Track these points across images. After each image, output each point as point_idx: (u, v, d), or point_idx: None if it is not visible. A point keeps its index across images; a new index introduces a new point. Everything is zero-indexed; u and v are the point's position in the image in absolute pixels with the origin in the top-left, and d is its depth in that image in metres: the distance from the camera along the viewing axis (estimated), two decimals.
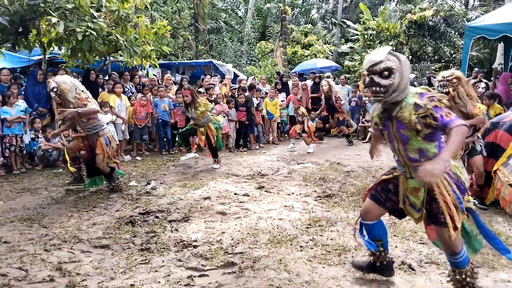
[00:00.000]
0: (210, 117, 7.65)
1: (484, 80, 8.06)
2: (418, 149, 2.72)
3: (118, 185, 5.91)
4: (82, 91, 5.61)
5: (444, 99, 2.67)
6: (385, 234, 3.16)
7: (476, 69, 13.73)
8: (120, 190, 5.86)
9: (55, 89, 5.42)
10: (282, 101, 11.62)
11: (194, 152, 8.50)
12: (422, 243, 4.01)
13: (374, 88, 2.67)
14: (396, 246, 3.92)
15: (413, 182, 2.85)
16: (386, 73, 2.61)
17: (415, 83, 11.75)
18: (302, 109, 9.77)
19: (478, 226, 2.85)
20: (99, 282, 3.22)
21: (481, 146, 5.14)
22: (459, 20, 18.56)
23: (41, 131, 7.84)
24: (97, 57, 8.94)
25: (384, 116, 2.82)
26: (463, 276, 2.83)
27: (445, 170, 2.57)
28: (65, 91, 5.42)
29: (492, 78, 13.50)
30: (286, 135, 12.20)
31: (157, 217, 4.80)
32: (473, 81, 10.27)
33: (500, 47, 13.70)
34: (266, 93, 11.28)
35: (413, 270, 3.45)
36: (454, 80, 4.82)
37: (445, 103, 2.64)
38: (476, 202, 5.20)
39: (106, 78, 9.60)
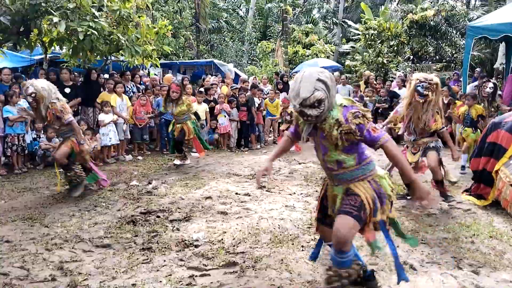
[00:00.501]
0: (192, 116, 7.70)
1: (492, 80, 8.01)
2: (336, 161, 2.69)
3: (78, 176, 5.72)
4: (58, 98, 5.46)
5: (368, 114, 2.62)
6: (353, 249, 2.88)
7: (478, 69, 13.72)
8: (79, 182, 5.71)
9: (33, 95, 5.23)
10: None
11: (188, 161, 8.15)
12: (424, 243, 4.01)
13: (305, 118, 2.59)
14: (397, 246, 3.91)
15: (336, 189, 2.81)
16: (316, 104, 2.51)
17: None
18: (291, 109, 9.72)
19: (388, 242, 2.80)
20: (100, 282, 3.22)
21: (436, 143, 5.14)
22: (461, 20, 18.53)
23: (42, 130, 7.84)
24: (98, 56, 8.95)
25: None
26: (338, 275, 2.66)
27: (367, 179, 2.70)
28: (43, 99, 5.28)
29: (493, 78, 13.47)
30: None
31: (158, 216, 4.80)
32: (476, 83, 10.26)
33: (502, 47, 13.68)
34: (268, 93, 11.28)
35: (415, 270, 3.45)
36: (435, 86, 4.83)
37: (368, 119, 2.60)
38: (444, 200, 5.20)
39: (107, 77, 9.59)
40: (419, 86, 4.80)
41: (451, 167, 6.73)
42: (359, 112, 2.57)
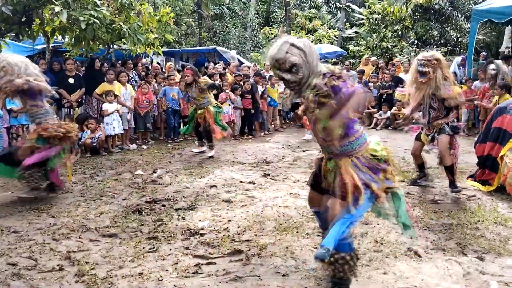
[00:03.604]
0: (211, 99, 7.66)
1: (496, 61, 7.93)
2: (324, 129, 2.70)
3: (31, 175, 5.05)
4: (34, 75, 4.96)
5: (345, 75, 2.63)
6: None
7: (483, 53, 13.59)
8: (33, 181, 5.08)
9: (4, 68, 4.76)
10: (284, 88, 11.56)
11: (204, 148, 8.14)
12: (428, 230, 4.02)
13: (286, 84, 2.70)
14: (402, 233, 3.92)
15: (329, 163, 2.86)
16: (293, 69, 2.59)
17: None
18: None
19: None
20: (107, 271, 3.26)
21: (450, 127, 5.03)
22: (466, 4, 18.32)
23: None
24: (100, 45, 8.92)
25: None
26: (340, 261, 2.71)
27: (353, 155, 2.73)
28: (9, 72, 4.76)
29: (498, 61, 13.33)
30: (291, 122, 12.18)
31: (163, 205, 4.83)
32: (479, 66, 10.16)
33: (507, 30, 13.55)
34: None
35: (419, 256, 3.46)
36: (434, 62, 4.77)
37: (344, 79, 2.58)
38: (452, 189, 5.07)
39: (108, 67, 9.56)
40: (419, 66, 4.79)
41: None
42: (334, 76, 2.59)
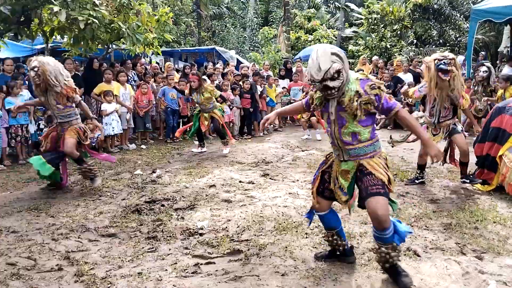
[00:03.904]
0: (216, 104, 7.79)
1: (486, 64, 7.94)
2: (352, 133, 2.91)
3: (91, 169, 5.53)
4: (67, 76, 5.28)
5: (383, 86, 2.89)
6: (339, 223, 3.30)
7: (482, 52, 13.61)
8: (95, 175, 5.55)
9: (35, 69, 4.99)
10: (283, 88, 11.58)
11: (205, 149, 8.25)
12: (427, 229, 4.02)
13: (329, 92, 2.80)
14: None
15: (345, 165, 3.03)
16: (336, 75, 2.73)
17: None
18: None
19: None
20: (107, 271, 3.26)
21: (461, 126, 5.30)
22: (465, 3, 18.33)
23: (45, 122, 7.84)
24: (99, 45, 8.92)
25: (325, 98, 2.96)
26: (389, 250, 2.91)
27: (375, 156, 2.97)
28: (47, 72, 5.00)
29: (498, 62, 13.35)
30: (290, 122, 12.19)
31: (163, 205, 4.83)
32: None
33: (506, 30, 13.56)
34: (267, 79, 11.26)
35: (418, 256, 3.46)
36: (453, 61, 4.93)
37: (384, 90, 2.88)
38: (466, 180, 5.41)
39: (107, 67, 9.55)
40: (441, 64, 4.85)
41: None
42: (374, 84, 2.84)
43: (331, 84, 2.74)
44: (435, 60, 4.93)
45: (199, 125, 7.79)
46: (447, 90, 4.98)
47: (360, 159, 2.96)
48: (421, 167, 5.57)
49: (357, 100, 2.80)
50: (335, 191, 3.11)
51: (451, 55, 4.99)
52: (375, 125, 3.03)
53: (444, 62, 4.84)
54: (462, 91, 5.15)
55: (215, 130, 7.89)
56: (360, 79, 2.86)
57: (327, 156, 3.29)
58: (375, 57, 13.91)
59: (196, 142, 8.35)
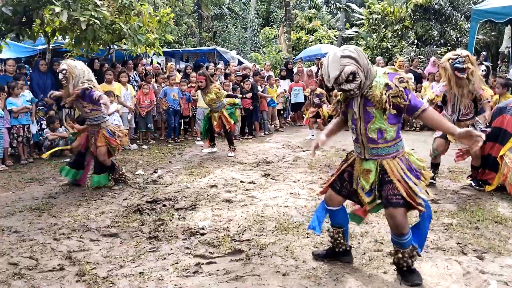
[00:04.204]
0: (224, 102, 7.73)
1: (485, 63, 7.96)
2: (379, 129, 2.86)
3: (122, 176, 5.76)
4: (91, 80, 5.45)
5: (411, 81, 2.85)
6: (346, 222, 3.30)
7: (483, 53, 13.60)
8: (124, 182, 5.74)
9: (64, 71, 5.25)
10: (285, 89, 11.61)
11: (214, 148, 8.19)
12: (428, 229, 4.01)
13: (348, 93, 2.80)
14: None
15: (367, 164, 2.99)
16: (351, 77, 2.70)
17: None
18: (320, 90, 9.47)
19: (421, 219, 3.00)
20: (108, 271, 3.27)
21: (480, 129, 5.09)
22: (465, 3, 18.32)
23: (47, 122, 7.87)
24: (101, 46, 8.94)
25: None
26: (406, 255, 2.93)
27: (398, 156, 2.92)
28: (73, 75, 5.26)
29: (499, 62, 13.35)
30: (292, 122, 12.20)
31: (164, 205, 4.84)
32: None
33: (507, 30, 13.56)
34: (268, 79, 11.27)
35: (419, 255, 3.46)
36: (468, 57, 4.88)
37: (412, 85, 2.83)
38: (473, 184, 5.38)
39: (108, 67, 9.56)
40: (456, 63, 4.80)
41: None
42: (403, 78, 2.80)
43: (346, 87, 2.72)
44: (449, 60, 4.88)
45: (210, 125, 7.80)
46: (467, 87, 4.92)
47: (382, 159, 2.93)
48: (435, 165, 5.51)
49: (385, 93, 2.74)
50: (358, 191, 3.08)
51: (465, 52, 4.92)
52: (400, 124, 2.98)
53: (458, 61, 4.79)
54: (482, 84, 5.08)
55: (225, 133, 7.86)
56: (389, 72, 2.83)
57: (348, 155, 3.25)
58: (378, 58, 13.89)
59: (198, 143, 8.37)
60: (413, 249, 2.96)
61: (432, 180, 5.47)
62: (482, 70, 7.36)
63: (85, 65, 5.58)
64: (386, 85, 2.75)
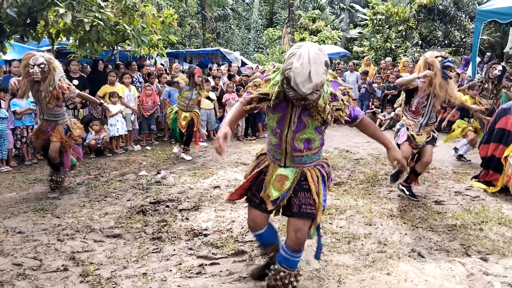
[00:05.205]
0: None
1: (502, 64, 7.92)
2: (306, 139, 2.59)
3: (58, 182, 5.45)
4: (62, 77, 5.23)
5: (351, 92, 2.62)
6: (276, 237, 3.04)
7: (488, 53, 13.55)
8: (57, 188, 5.44)
9: (42, 65, 4.92)
10: None
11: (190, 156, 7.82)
12: (432, 231, 4.01)
13: (302, 102, 2.37)
14: (406, 234, 3.93)
15: (285, 171, 2.71)
16: (319, 88, 2.32)
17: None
18: None
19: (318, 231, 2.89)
20: (112, 271, 3.28)
21: (437, 135, 4.96)
22: (470, 4, 18.25)
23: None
24: (105, 47, 8.95)
25: (283, 96, 2.47)
26: (292, 278, 2.70)
27: (319, 163, 2.75)
28: (56, 69, 5.02)
29: (503, 63, 13.27)
30: None
31: (167, 206, 4.85)
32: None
33: None
34: None
35: (423, 257, 3.46)
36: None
37: (352, 96, 2.62)
38: (405, 190, 5.07)
39: (111, 69, 9.58)
40: (448, 61, 4.61)
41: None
42: (345, 89, 2.60)
43: (311, 97, 2.31)
44: (438, 57, 4.66)
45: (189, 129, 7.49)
46: (446, 90, 4.64)
47: (304, 167, 2.69)
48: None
49: (329, 103, 2.46)
50: (264, 198, 2.78)
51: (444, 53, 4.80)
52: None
53: (449, 60, 4.68)
54: (455, 89, 4.80)
55: (187, 133, 7.49)
56: (331, 80, 2.56)
57: (259, 157, 2.95)
58: (388, 59, 13.85)
59: (201, 144, 8.35)
60: (298, 272, 2.76)
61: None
62: (498, 70, 7.30)
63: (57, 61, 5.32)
64: (331, 94, 2.49)
